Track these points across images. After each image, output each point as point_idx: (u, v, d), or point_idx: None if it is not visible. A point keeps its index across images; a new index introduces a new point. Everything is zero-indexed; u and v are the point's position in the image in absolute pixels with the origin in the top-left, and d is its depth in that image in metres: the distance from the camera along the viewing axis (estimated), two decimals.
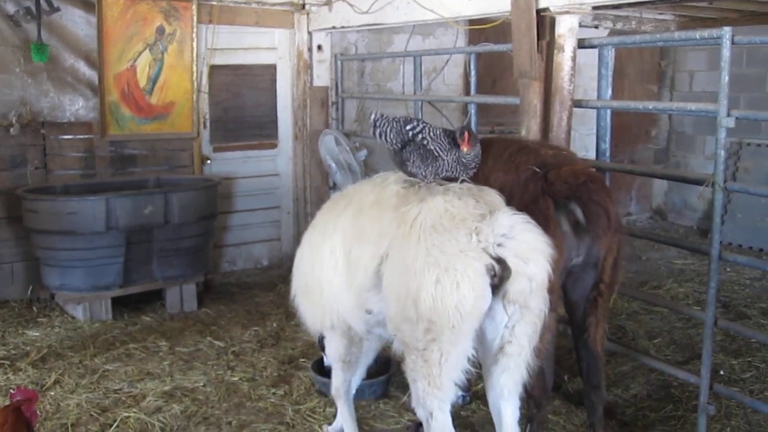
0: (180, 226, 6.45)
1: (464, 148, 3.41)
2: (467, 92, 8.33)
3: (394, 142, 3.72)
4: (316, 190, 7.88)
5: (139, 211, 6.21)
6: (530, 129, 4.82)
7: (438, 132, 3.63)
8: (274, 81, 7.85)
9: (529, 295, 3.13)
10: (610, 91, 4.69)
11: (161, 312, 6.60)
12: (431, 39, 8.26)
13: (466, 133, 3.49)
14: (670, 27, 8.74)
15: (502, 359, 3.32)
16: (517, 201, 3.48)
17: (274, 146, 7.99)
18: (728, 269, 7.55)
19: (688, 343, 5.74)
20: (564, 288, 3.78)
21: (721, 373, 5.13)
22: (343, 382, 4.14)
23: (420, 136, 3.56)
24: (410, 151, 3.58)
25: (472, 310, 3.07)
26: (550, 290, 3.39)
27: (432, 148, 3.52)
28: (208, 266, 7.17)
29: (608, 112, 4.71)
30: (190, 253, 6.67)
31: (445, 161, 3.49)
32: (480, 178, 3.67)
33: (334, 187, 7.75)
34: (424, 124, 3.63)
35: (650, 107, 4.49)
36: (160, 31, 7.04)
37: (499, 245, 3.08)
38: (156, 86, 7.13)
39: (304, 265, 3.97)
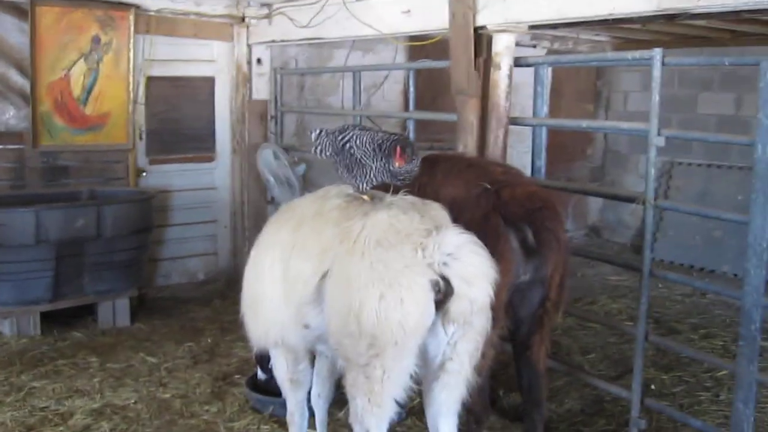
0: (112, 239, 6.31)
1: (397, 163, 3.38)
2: (407, 108, 8.39)
3: (330, 154, 3.68)
4: (254, 204, 7.80)
5: (69, 223, 6.05)
6: (467, 145, 4.86)
7: (364, 139, 3.55)
8: (212, 93, 7.76)
9: (470, 315, 3.13)
10: (546, 109, 4.76)
11: (93, 327, 6.44)
12: (371, 55, 8.28)
13: (398, 148, 3.43)
14: (605, 48, 8.95)
15: (443, 376, 3.29)
16: (467, 216, 3.49)
17: (211, 159, 7.89)
18: (660, 285, 7.70)
19: (621, 358, 5.83)
20: (510, 304, 3.77)
21: (653, 387, 5.22)
22: (297, 405, 4.03)
23: (348, 144, 3.53)
24: (339, 161, 3.56)
25: (416, 326, 3.05)
26: (496, 307, 3.41)
27: (357, 156, 3.48)
28: (143, 280, 7.02)
29: (543, 129, 4.78)
30: (123, 267, 6.52)
31: (372, 168, 3.44)
32: (429, 192, 3.68)
33: (272, 201, 7.70)
34: (353, 132, 3.58)
35: (584, 125, 4.59)
36: (96, 40, 6.90)
37: (444, 264, 3.07)
38: (91, 96, 6.98)
39: (249, 279, 3.90)
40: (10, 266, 6.00)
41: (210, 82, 7.74)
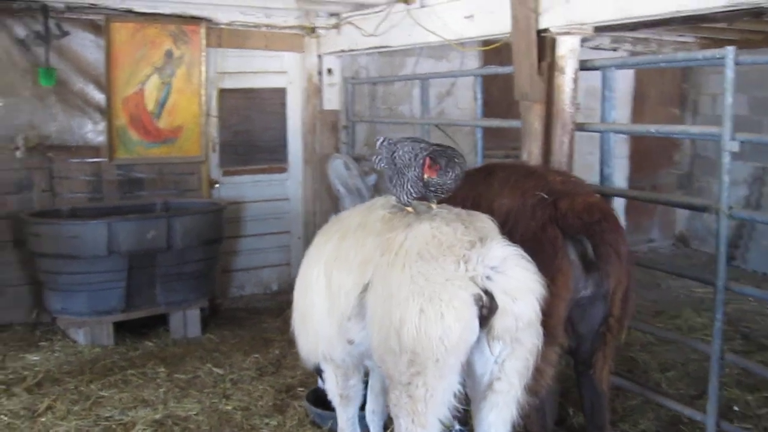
0: (183, 250, 6.37)
1: (426, 175, 3.23)
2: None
3: (384, 164, 3.58)
4: (325, 214, 7.73)
5: (141, 235, 6.14)
6: (531, 152, 4.67)
7: (407, 149, 3.42)
8: (284, 105, 7.79)
9: (515, 332, 2.96)
10: (614, 114, 4.53)
11: (164, 337, 6.51)
12: (444, 62, 8.15)
13: (427, 159, 3.26)
14: (690, 49, 8.55)
15: (491, 395, 3.14)
16: (523, 227, 3.36)
17: (283, 170, 7.91)
18: (751, 300, 7.26)
19: (703, 376, 5.47)
20: (571, 320, 3.56)
21: (735, 409, 4.89)
22: (347, 421, 3.96)
23: (395, 155, 3.42)
24: (387, 172, 3.46)
25: (457, 342, 2.91)
26: (554, 324, 3.23)
27: (399, 166, 3.36)
28: (214, 291, 7.08)
29: (611, 135, 4.54)
30: (193, 278, 6.58)
31: (408, 179, 3.30)
32: (484, 203, 3.54)
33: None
34: (403, 142, 3.46)
35: (652, 130, 4.32)
36: (169, 54, 7.02)
37: (487, 277, 2.92)
38: (164, 110, 7.10)
39: (298, 292, 3.85)
40: (84, 277, 6.14)
41: (281, 93, 7.76)
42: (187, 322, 6.58)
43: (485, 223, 3.17)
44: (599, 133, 4.58)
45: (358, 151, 7.74)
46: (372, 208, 3.46)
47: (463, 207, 3.38)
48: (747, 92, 8.95)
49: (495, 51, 6.16)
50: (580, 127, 4.57)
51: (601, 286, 3.46)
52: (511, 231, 3.36)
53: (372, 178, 7.36)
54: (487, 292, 2.89)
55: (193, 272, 6.55)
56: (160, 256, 6.30)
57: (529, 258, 2.97)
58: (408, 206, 3.34)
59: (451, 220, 3.10)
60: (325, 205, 7.77)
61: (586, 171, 4.90)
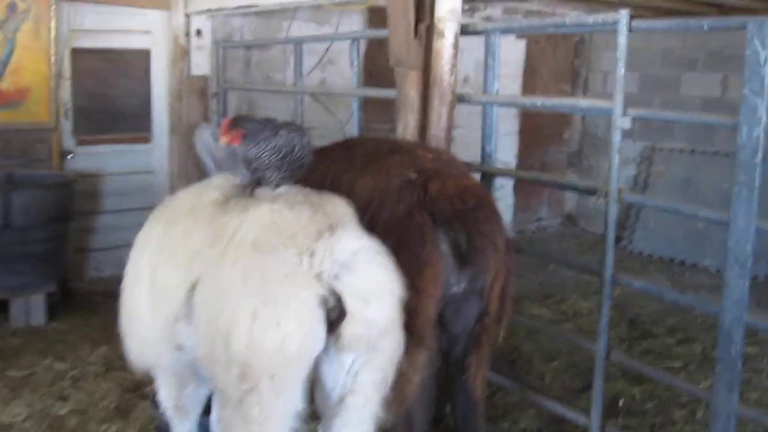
0: (25, 228, 5.63)
1: (222, 140, 2.90)
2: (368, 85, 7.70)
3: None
4: None
5: None
6: (407, 125, 4.18)
7: None
8: (148, 68, 7.05)
9: (369, 340, 2.47)
10: (497, 85, 4.09)
11: (4, 326, 5.76)
12: (327, 27, 7.57)
13: (225, 121, 2.96)
14: None
15: (343, 412, 2.64)
16: (387, 212, 2.88)
17: (147, 140, 7.19)
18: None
19: (590, 367, 5.17)
20: (441, 319, 3.08)
21: (620, 404, 4.60)
22: None
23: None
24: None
25: (298, 352, 2.40)
26: (421, 324, 2.76)
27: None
28: (65, 274, 6.34)
29: (494, 108, 4.11)
30: (38, 259, 5.84)
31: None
32: (345, 182, 3.04)
33: None
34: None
35: (538, 104, 3.90)
36: (12, 8, 6.19)
37: (335, 276, 2.42)
38: (7, 70, 6.26)
39: (126, 286, 3.26)
40: None
41: (145, 55, 7.02)
42: (30, 309, 5.84)
43: (338, 207, 2.66)
44: (482, 106, 4.14)
45: None
46: (206, 189, 2.90)
47: (320, 189, 2.87)
48: (639, 70, 8.78)
49: (384, 16, 5.64)
50: (461, 99, 4.11)
51: (476, 281, 3.01)
52: (374, 217, 2.87)
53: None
54: (334, 293, 2.38)
55: (37, 253, 5.81)
56: None
57: (386, 252, 2.48)
58: (249, 185, 2.81)
59: (296, 203, 2.58)
60: (194, 179, 7.04)
61: (474, 147, 4.45)
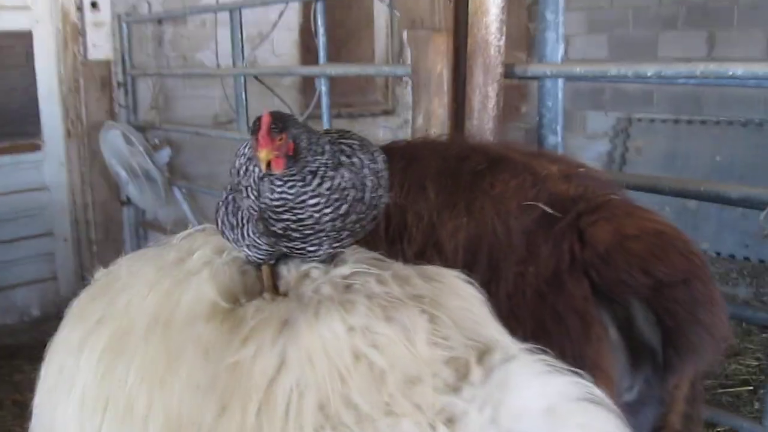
0: None
1: (259, 161, 1.38)
2: (305, 64, 6.38)
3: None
4: (102, 207, 5.61)
5: None
6: (432, 114, 2.90)
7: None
8: (29, 54, 5.46)
9: None
10: (561, 51, 2.86)
11: None
12: None
13: (264, 121, 1.39)
14: None
15: None
16: (509, 281, 1.58)
17: (36, 148, 5.59)
18: None
19: None
20: None
21: None
22: None
23: (237, 162, 1.56)
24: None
25: None
26: None
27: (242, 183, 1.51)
28: None
29: (559, 82, 2.87)
30: None
31: (244, 204, 1.51)
32: (414, 229, 1.72)
33: (128, 202, 5.57)
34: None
35: (649, 73, 2.64)
36: None
37: None
38: None
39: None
40: None
41: (25, 37, 5.43)
42: None
43: (464, 298, 1.34)
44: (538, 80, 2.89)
45: (143, 116, 5.62)
46: (182, 272, 1.54)
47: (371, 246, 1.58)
48: (607, 31, 7.77)
49: None
50: (510, 72, 2.85)
51: (658, 385, 1.76)
52: (486, 287, 1.56)
53: (164, 154, 5.38)
54: None
55: None
56: None
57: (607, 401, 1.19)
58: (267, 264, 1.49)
59: (394, 306, 1.25)
60: (101, 194, 5.62)
61: None
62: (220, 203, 1.61)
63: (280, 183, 1.38)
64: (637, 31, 7.75)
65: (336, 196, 1.39)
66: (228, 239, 1.56)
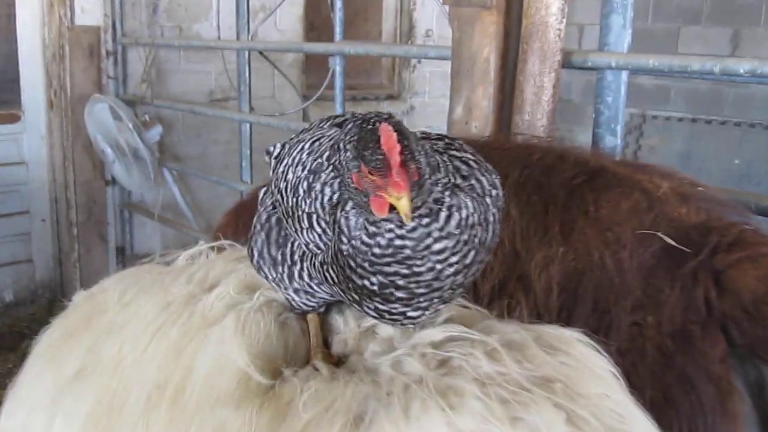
0: None
1: (377, 208, 0.94)
2: (308, 41, 5.98)
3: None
4: (84, 186, 5.17)
5: None
6: (474, 105, 2.52)
7: (308, 139, 1.14)
8: (10, 17, 5.02)
9: None
10: (628, 37, 2.49)
11: None
12: None
13: (388, 150, 0.91)
14: None
15: None
16: (629, 332, 1.24)
17: (15, 119, 5.14)
18: None
19: None
20: None
21: None
22: None
23: (275, 176, 1.14)
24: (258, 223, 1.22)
25: None
26: None
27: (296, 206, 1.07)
28: None
29: (623, 75, 2.50)
30: None
31: (302, 237, 1.08)
32: (493, 260, 1.34)
33: (113, 182, 5.16)
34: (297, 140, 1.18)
35: (716, 69, 2.28)
36: None
37: None
38: None
39: None
40: None
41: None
42: None
43: (601, 378, 0.96)
44: (600, 71, 2.51)
45: (133, 90, 5.18)
46: (196, 304, 1.15)
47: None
48: None
49: None
50: (568, 61, 2.47)
51: None
52: (594, 329, 1.19)
53: (155, 132, 4.97)
54: None
55: None
56: None
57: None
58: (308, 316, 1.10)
59: (514, 390, 0.87)
60: (84, 172, 5.18)
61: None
62: (257, 226, 1.17)
63: (393, 224, 0.96)
64: (656, 25, 7.39)
65: (465, 236, 0.97)
66: (266, 278, 1.15)
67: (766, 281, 1.24)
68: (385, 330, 1.02)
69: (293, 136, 1.21)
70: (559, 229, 1.38)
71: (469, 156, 1.03)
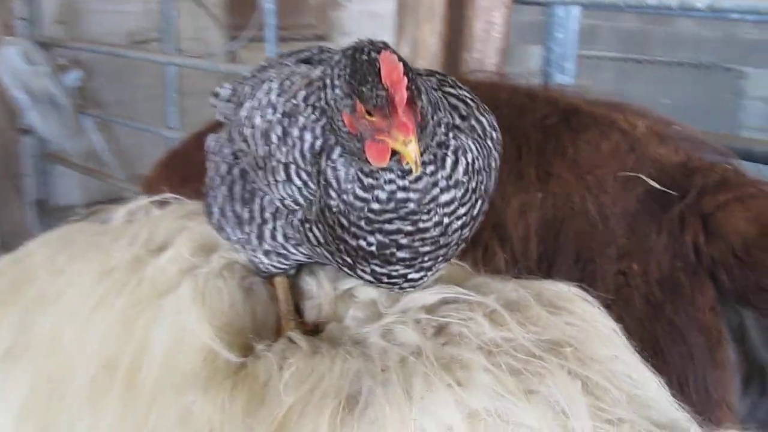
0: None
1: (374, 155, 0.81)
2: None
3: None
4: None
5: None
6: (420, 44, 2.40)
7: (285, 72, 0.99)
8: None
9: None
10: None
11: None
12: None
13: (393, 84, 0.80)
14: None
15: None
16: (614, 282, 1.21)
17: None
18: None
19: None
20: None
21: None
22: None
23: (237, 121, 0.98)
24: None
25: None
26: None
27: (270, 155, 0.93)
28: None
29: (575, 10, 2.42)
30: None
31: (277, 191, 0.93)
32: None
33: (29, 132, 4.87)
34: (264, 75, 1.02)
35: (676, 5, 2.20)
36: None
37: None
38: None
39: None
40: None
41: None
42: None
43: (607, 339, 0.88)
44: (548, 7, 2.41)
45: (47, 32, 4.87)
46: (144, 268, 1.02)
47: None
48: None
49: None
50: None
51: (765, 412, 1.37)
52: (578, 280, 1.11)
53: (72, 77, 4.69)
54: None
55: None
56: None
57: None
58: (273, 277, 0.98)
59: (523, 358, 0.76)
60: None
61: None
62: (217, 179, 1.02)
63: (393, 174, 0.84)
64: None
65: (473, 184, 0.86)
66: (228, 238, 1.02)
67: (756, 223, 1.18)
68: (365, 292, 0.91)
69: (246, 75, 1.07)
70: (535, 174, 1.28)
71: (466, 93, 0.92)
